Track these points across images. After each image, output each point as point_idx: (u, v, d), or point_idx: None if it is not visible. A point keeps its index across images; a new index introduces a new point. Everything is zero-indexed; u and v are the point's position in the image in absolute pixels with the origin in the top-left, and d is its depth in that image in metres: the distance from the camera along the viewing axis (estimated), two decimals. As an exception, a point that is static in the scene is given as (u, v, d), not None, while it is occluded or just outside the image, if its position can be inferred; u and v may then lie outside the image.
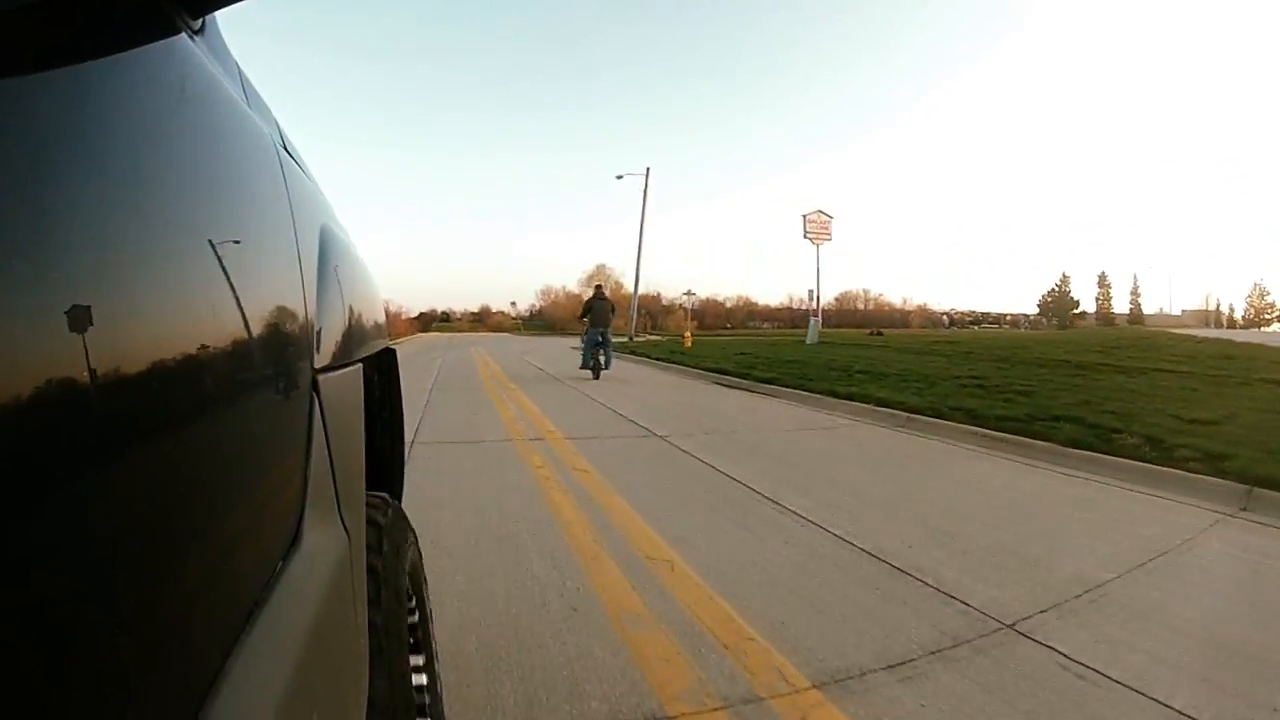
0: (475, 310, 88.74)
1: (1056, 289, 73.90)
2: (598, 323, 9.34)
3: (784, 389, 7.28)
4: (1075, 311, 72.53)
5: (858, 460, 4.03)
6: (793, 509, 2.90)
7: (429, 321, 76.79)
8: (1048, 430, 4.64)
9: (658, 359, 12.53)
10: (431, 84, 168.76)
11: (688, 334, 18.74)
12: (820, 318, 20.97)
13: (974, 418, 5.15)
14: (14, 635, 0.21)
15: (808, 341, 18.39)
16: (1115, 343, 20.52)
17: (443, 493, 3.14)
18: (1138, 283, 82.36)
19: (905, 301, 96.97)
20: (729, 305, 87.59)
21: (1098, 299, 79.90)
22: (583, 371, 9.52)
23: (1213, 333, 35.02)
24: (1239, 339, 22.21)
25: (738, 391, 7.83)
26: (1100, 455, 3.95)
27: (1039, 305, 78.13)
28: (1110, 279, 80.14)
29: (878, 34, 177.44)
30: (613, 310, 9.78)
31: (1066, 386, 6.98)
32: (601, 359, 9.33)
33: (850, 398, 6.11)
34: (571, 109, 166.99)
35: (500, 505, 2.94)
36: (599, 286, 10.49)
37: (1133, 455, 3.88)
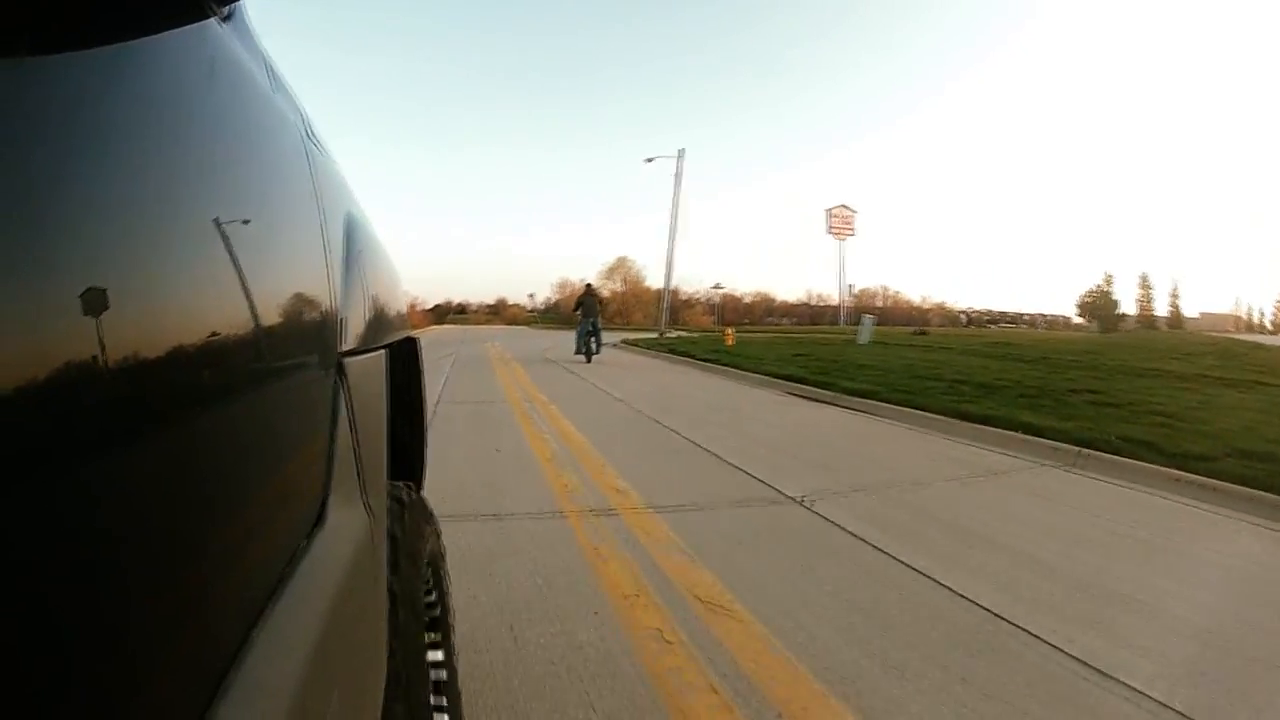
0: (491, 303, 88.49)
1: (1098, 289, 70.70)
2: (589, 314, 11.39)
3: (884, 405, 5.94)
4: (1116, 313, 69.70)
5: (1109, 544, 2.67)
6: (1161, 700, 1.55)
7: (444, 314, 76.47)
8: (1265, 477, 3.68)
9: (703, 359, 11.32)
10: (450, 76, 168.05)
11: (729, 331, 17.55)
12: (854, 316, 19.57)
13: (1166, 456, 4.03)
14: (55, 594, 0.21)
15: (860, 341, 16.97)
16: (1186, 349, 19.22)
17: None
18: (1177, 285, 79.40)
19: (924, 299, 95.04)
20: (747, 301, 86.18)
21: (1139, 301, 76.83)
22: (581, 365, 10.81)
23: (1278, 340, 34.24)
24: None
25: (825, 406, 6.44)
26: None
27: (1078, 306, 75.02)
28: (1150, 280, 77.21)
29: (881, 33, 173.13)
30: (600, 304, 11.96)
31: (1196, 404, 6.12)
32: (592, 344, 11.36)
33: (986, 421, 4.83)
34: (584, 104, 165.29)
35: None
36: (589, 285, 12.88)
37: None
